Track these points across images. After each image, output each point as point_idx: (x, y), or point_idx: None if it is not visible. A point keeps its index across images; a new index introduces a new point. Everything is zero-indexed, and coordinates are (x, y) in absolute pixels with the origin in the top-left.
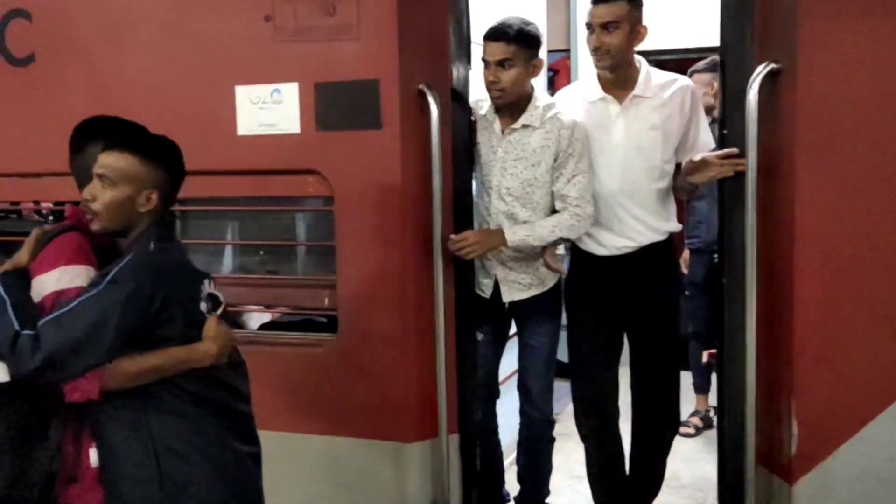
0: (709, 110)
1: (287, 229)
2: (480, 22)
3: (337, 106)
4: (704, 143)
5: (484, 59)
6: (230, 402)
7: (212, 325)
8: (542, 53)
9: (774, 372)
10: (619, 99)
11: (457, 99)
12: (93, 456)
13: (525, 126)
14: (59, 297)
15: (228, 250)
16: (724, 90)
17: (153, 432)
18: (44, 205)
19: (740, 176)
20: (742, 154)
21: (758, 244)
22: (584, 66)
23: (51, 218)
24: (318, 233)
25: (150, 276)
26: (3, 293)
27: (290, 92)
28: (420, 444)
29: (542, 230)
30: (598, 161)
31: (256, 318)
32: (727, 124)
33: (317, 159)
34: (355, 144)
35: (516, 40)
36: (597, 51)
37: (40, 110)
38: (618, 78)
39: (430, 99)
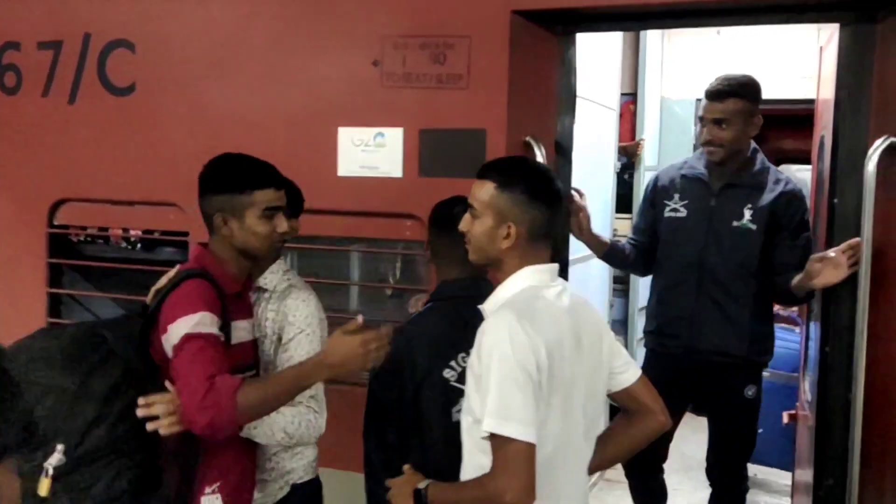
0: None
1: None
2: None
3: (441, 153)
4: None
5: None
6: None
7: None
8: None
9: (878, 444)
10: None
11: (560, 152)
12: (205, 503)
13: None
14: (188, 340)
15: None
16: (835, 161)
17: None
18: (132, 232)
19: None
20: (855, 224)
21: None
22: (650, 111)
23: (139, 245)
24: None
25: None
26: None
27: (394, 136)
28: None
29: None
30: None
31: None
32: (838, 194)
33: (416, 204)
34: (457, 192)
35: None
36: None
37: (138, 140)
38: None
39: (537, 151)
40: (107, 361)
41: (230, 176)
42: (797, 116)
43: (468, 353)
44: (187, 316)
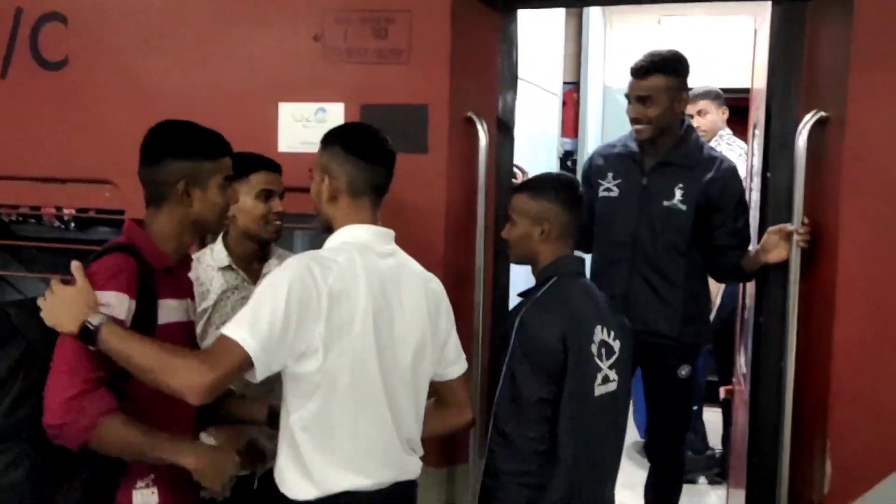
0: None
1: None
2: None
3: (383, 128)
4: None
5: None
6: None
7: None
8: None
9: (809, 412)
10: None
11: (502, 128)
12: (138, 498)
13: None
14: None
15: None
16: (768, 136)
17: None
18: (66, 211)
19: (784, 218)
20: (787, 198)
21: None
22: (592, 99)
23: (72, 225)
24: None
25: None
26: None
27: (335, 112)
28: (447, 470)
29: None
30: None
31: None
32: (771, 169)
33: None
34: (399, 168)
35: None
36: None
37: (71, 116)
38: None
39: (479, 127)
40: (8, 341)
41: (197, 141)
42: (736, 105)
43: (602, 328)
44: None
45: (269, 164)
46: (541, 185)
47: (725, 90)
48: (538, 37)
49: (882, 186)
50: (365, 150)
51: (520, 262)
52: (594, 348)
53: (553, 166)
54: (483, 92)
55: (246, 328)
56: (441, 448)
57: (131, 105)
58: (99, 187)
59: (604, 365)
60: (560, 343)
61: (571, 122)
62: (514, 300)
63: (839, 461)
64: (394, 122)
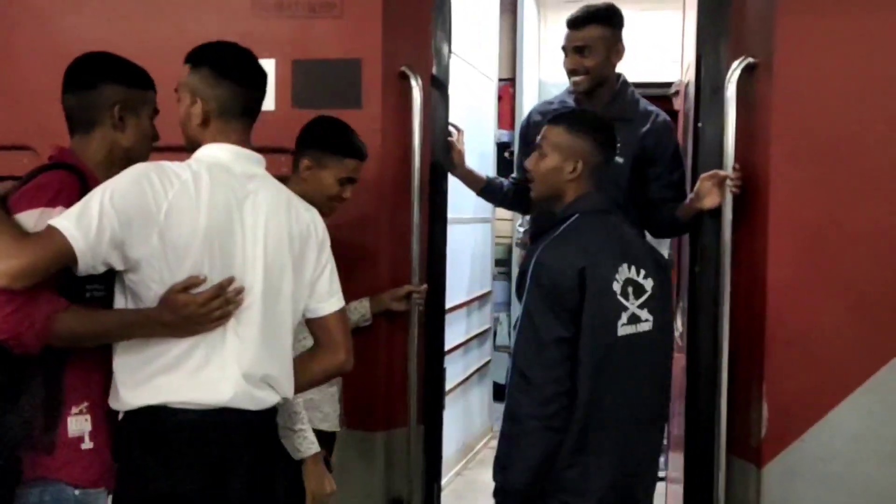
0: None
1: None
2: None
3: (315, 84)
4: None
5: None
6: None
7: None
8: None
9: (745, 357)
10: None
11: (436, 85)
12: (72, 424)
13: None
14: None
15: None
16: (699, 85)
17: None
18: None
19: (716, 165)
20: (719, 146)
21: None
22: (528, 94)
23: None
24: None
25: None
26: None
27: (266, 68)
28: (387, 433)
29: None
30: None
31: None
32: (703, 119)
33: (290, 138)
34: None
35: None
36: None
37: None
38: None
39: (413, 82)
40: None
41: (131, 70)
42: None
43: (629, 266)
44: (36, 209)
45: (362, 154)
46: (580, 120)
47: (657, 85)
48: (473, 20)
49: (810, 129)
50: (238, 72)
51: (542, 197)
52: (617, 286)
53: (490, 151)
54: (417, 48)
55: (73, 220)
56: (379, 412)
57: (51, 66)
58: (17, 153)
59: (630, 304)
60: (577, 278)
61: (508, 115)
62: (452, 257)
63: (775, 404)
64: (327, 77)
